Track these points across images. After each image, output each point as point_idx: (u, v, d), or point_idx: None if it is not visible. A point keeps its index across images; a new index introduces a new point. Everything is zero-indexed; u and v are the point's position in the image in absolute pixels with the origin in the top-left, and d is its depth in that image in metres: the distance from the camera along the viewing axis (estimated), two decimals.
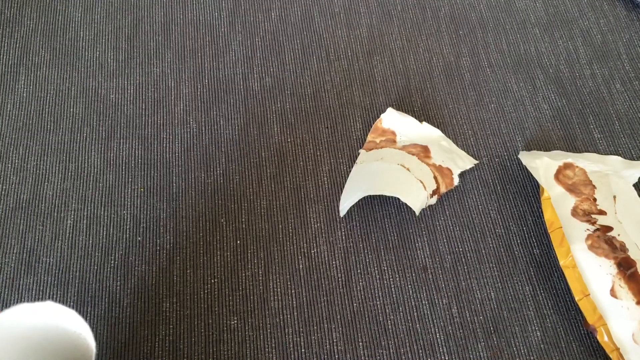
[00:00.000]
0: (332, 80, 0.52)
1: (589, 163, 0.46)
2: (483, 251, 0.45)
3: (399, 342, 0.41)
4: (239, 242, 0.44)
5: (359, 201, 0.46)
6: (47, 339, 0.34)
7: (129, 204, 0.46)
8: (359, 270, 0.43)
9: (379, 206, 0.46)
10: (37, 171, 0.47)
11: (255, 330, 0.41)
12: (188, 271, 0.43)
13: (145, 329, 0.41)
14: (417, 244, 0.45)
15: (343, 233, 0.45)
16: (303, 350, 0.41)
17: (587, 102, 0.51)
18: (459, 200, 0.47)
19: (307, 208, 0.46)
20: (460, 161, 0.47)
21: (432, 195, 0.44)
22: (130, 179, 0.47)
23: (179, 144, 0.48)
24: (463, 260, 0.44)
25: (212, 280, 0.43)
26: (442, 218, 0.46)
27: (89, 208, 0.45)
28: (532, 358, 0.41)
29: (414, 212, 0.46)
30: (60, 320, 0.33)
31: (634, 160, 0.49)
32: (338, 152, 0.48)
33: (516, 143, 0.49)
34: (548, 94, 0.51)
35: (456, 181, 0.45)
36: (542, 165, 0.45)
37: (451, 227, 0.45)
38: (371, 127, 0.49)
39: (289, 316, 0.42)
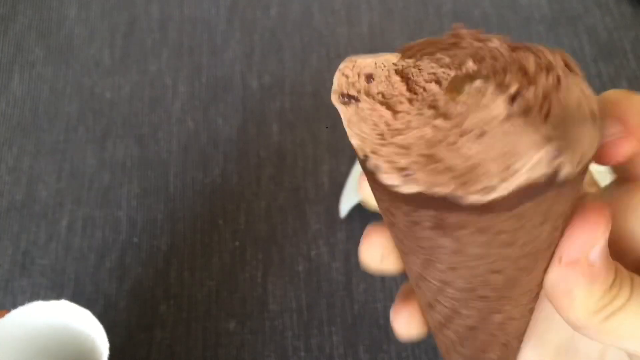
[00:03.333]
0: (332, 78, 0.51)
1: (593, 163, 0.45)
2: None
3: (400, 345, 0.41)
4: (237, 243, 0.44)
5: (359, 201, 0.46)
6: (57, 338, 0.34)
7: (124, 204, 0.45)
8: (359, 273, 0.43)
9: None
10: (31, 171, 0.47)
11: (254, 333, 0.41)
12: (185, 273, 0.43)
13: (141, 333, 0.41)
14: None
15: (344, 234, 0.44)
16: (303, 354, 0.40)
17: None
18: None
19: (307, 209, 0.45)
20: None
21: None
22: (126, 179, 0.46)
23: (176, 143, 0.48)
24: None
25: (210, 283, 0.43)
26: None
27: (84, 209, 0.45)
28: None
29: None
30: (72, 320, 0.33)
31: None
32: (338, 152, 0.48)
33: None
34: None
35: None
36: None
37: None
38: None
39: (288, 319, 0.41)
